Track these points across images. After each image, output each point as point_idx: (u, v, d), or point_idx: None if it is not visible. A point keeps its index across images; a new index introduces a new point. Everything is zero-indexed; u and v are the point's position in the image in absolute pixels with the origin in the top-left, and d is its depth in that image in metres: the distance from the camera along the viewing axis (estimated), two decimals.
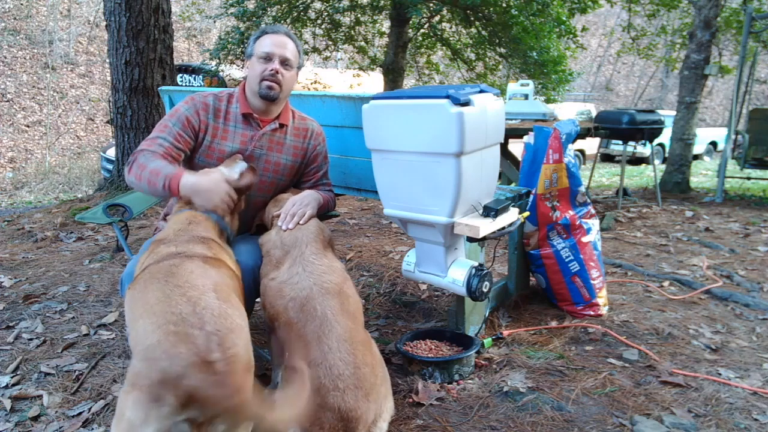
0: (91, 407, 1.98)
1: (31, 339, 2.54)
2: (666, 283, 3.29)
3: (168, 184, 1.75)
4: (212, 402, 1.14)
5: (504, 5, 8.69)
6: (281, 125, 2.08)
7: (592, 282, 2.70)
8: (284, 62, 1.99)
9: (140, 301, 1.34)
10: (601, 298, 2.74)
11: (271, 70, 1.96)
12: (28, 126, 14.73)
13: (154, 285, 1.37)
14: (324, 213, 2.16)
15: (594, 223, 2.78)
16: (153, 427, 1.10)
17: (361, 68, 10.95)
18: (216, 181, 1.80)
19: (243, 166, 1.94)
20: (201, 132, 2.00)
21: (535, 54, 8.83)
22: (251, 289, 1.83)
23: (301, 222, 1.88)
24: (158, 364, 1.15)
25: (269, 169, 2.07)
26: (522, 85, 4.62)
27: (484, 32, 9.49)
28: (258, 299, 1.86)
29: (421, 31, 10.21)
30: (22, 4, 16.64)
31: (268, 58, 1.97)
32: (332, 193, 2.24)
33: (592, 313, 2.71)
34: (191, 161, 2.02)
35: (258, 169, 2.01)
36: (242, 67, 2.18)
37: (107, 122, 12.93)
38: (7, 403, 1.99)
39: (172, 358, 1.15)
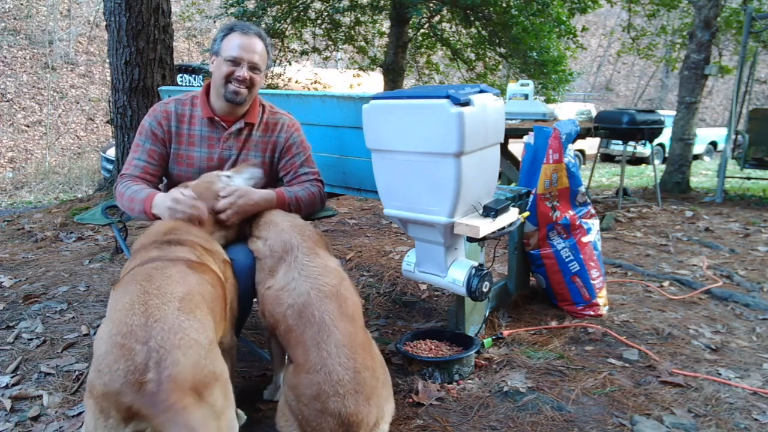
0: None
1: (31, 339, 2.54)
2: (666, 283, 3.29)
3: (144, 208, 1.85)
4: (147, 419, 1.15)
5: (504, 5, 8.70)
6: (247, 124, 2.04)
7: (592, 282, 2.70)
8: (253, 67, 1.94)
9: (115, 303, 1.35)
10: (601, 298, 2.74)
11: (238, 75, 1.91)
12: (28, 126, 14.73)
13: (131, 288, 1.37)
14: (314, 211, 2.10)
15: (594, 223, 2.78)
16: None
17: (361, 68, 10.95)
18: (168, 195, 1.80)
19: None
20: (167, 142, 2.00)
21: (535, 54, 8.83)
22: (249, 288, 1.82)
23: (227, 222, 1.84)
24: (102, 378, 1.17)
25: None
26: (522, 85, 4.62)
27: (484, 32, 9.50)
28: (256, 299, 1.86)
29: (421, 31, 10.21)
30: (22, 4, 16.64)
31: (235, 62, 1.91)
32: (319, 184, 2.13)
33: (592, 313, 2.71)
34: (168, 172, 2.05)
35: (228, 170, 2.00)
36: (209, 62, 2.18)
37: (107, 122, 12.93)
38: (7, 403, 1.99)
39: (112, 374, 1.17)
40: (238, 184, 1.89)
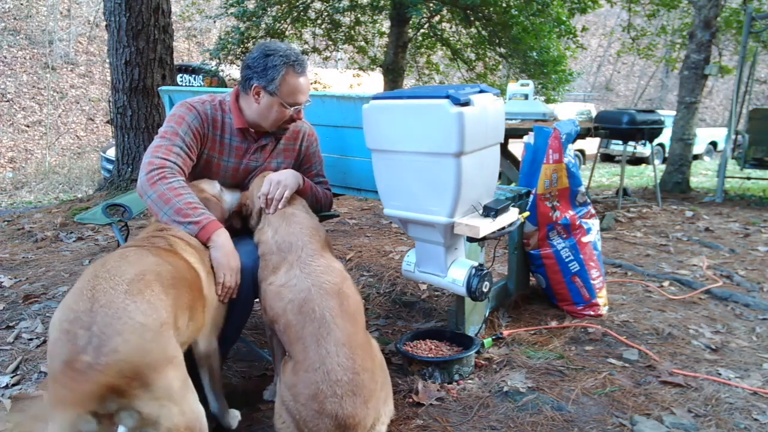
0: None
1: (31, 339, 2.54)
2: (666, 283, 3.29)
3: (198, 232, 1.70)
4: (55, 398, 1.17)
5: (504, 5, 8.70)
6: (276, 138, 2.06)
7: (592, 282, 2.70)
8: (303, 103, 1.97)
9: (75, 284, 1.37)
10: (601, 298, 2.74)
11: (296, 117, 1.95)
12: (28, 126, 14.73)
13: (87, 272, 1.39)
14: (318, 208, 2.14)
15: (594, 223, 2.78)
16: (62, 417, 1.16)
17: (361, 68, 10.95)
18: (235, 257, 1.74)
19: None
20: (203, 145, 1.95)
21: (535, 54, 8.84)
22: (250, 289, 1.82)
23: (280, 206, 1.86)
24: (52, 363, 1.22)
25: None
26: (522, 85, 4.63)
27: (484, 32, 9.50)
28: (257, 299, 1.86)
29: (421, 31, 10.21)
30: (22, 4, 16.64)
31: (293, 106, 1.91)
32: (329, 192, 2.22)
33: (592, 313, 2.71)
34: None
35: (252, 177, 2.02)
36: (251, 93, 2.10)
37: (107, 122, 12.94)
38: (7, 403, 1.99)
39: (57, 357, 1.20)
40: (227, 198, 1.93)
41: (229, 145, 1.99)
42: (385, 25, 10.73)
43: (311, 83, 9.79)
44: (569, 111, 12.93)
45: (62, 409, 1.15)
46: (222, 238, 1.73)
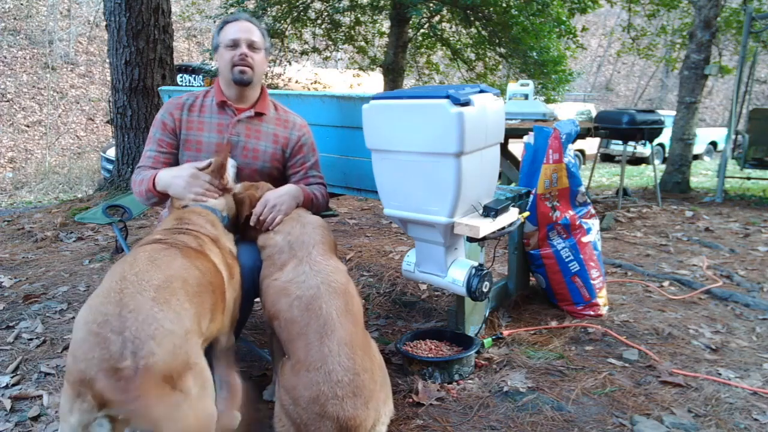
0: None
1: (31, 339, 2.54)
2: (666, 283, 3.29)
3: (149, 186, 1.93)
4: (117, 404, 1.17)
5: (504, 5, 8.69)
6: (257, 113, 2.11)
7: (592, 282, 2.70)
8: (251, 45, 2.04)
9: (101, 284, 1.36)
10: (601, 298, 2.74)
11: (240, 54, 2.01)
12: (28, 126, 14.73)
13: (117, 269, 1.39)
14: (316, 211, 2.14)
15: (594, 223, 2.78)
16: (76, 418, 1.18)
17: (361, 68, 10.94)
18: (181, 168, 1.92)
19: (233, 162, 2.03)
20: (177, 129, 2.08)
21: (535, 54, 8.83)
22: (250, 290, 1.82)
23: (270, 228, 1.87)
24: (78, 365, 1.20)
25: (248, 156, 2.08)
26: (522, 85, 4.62)
27: (484, 32, 9.49)
28: (257, 299, 1.86)
29: (421, 31, 10.20)
30: (22, 4, 16.65)
31: (234, 44, 2.02)
32: (323, 188, 2.21)
33: (592, 313, 2.71)
34: (178, 160, 2.11)
35: (237, 155, 2.06)
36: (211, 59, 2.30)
37: (107, 122, 12.93)
38: (7, 403, 1.99)
39: (88, 361, 1.19)
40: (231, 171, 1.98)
41: (209, 122, 2.09)
42: (385, 25, 10.72)
43: (311, 83, 9.69)
44: (569, 111, 12.92)
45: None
46: (161, 173, 1.92)
